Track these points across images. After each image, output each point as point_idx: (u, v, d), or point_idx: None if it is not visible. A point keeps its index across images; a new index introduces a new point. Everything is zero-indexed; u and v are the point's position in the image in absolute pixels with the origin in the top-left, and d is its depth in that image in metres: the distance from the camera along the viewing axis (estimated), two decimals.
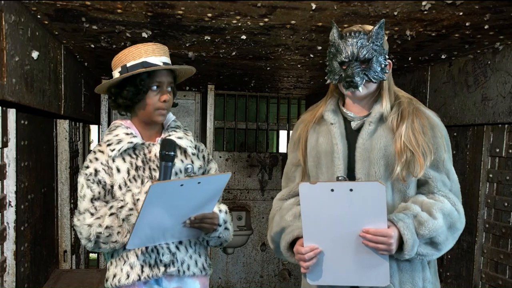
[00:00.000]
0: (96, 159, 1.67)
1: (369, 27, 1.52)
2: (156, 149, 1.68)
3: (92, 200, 1.64)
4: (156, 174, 1.65)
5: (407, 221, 1.41)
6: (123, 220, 1.58)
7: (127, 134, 1.68)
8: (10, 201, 1.77)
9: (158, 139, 1.71)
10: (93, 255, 4.13)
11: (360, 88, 1.49)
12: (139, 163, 1.66)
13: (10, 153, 1.76)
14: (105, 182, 1.65)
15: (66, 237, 2.81)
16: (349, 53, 1.49)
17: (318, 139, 1.61)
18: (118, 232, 1.59)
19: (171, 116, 1.79)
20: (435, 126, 1.53)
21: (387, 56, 1.53)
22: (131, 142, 1.66)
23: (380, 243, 1.38)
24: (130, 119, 1.74)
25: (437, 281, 1.61)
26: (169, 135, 1.71)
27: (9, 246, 1.77)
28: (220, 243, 1.75)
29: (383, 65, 1.51)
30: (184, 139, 1.72)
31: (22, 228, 1.97)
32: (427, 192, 1.52)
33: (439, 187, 1.51)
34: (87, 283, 2.54)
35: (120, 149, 1.64)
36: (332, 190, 1.33)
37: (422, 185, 1.53)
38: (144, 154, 1.68)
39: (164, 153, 1.56)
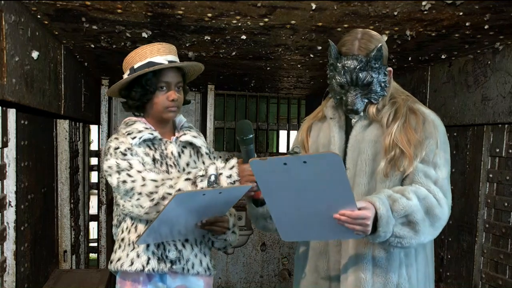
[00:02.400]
0: (122, 142, 1.64)
1: (370, 44, 1.49)
2: (172, 147, 1.71)
3: (142, 164, 1.60)
4: (173, 170, 1.68)
5: (382, 197, 1.38)
6: (201, 188, 1.53)
7: (146, 128, 1.70)
8: (10, 201, 1.77)
9: (173, 138, 1.74)
10: (93, 255, 4.13)
11: (361, 113, 1.52)
12: (157, 157, 1.69)
13: (10, 153, 1.76)
14: (140, 156, 1.63)
15: (66, 237, 2.81)
16: (348, 79, 1.48)
17: (319, 134, 1.65)
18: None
19: (183, 118, 1.84)
20: (427, 120, 1.51)
21: (387, 68, 1.51)
22: (151, 134, 1.68)
23: (357, 225, 1.33)
24: (144, 118, 1.76)
25: (425, 283, 1.58)
26: (184, 134, 1.75)
27: (9, 246, 1.77)
28: (225, 246, 1.77)
29: (382, 83, 1.50)
30: (199, 139, 1.77)
31: (22, 228, 1.97)
32: (408, 183, 1.48)
33: (420, 177, 1.46)
34: (87, 283, 2.54)
35: (141, 137, 1.65)
36: (285, 163, 1.27)
37: (405, 178, 1.49)
38: (162, 150, 1.70)
39: (242, 138, 1.54)
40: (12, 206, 1.78)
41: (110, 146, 1.65)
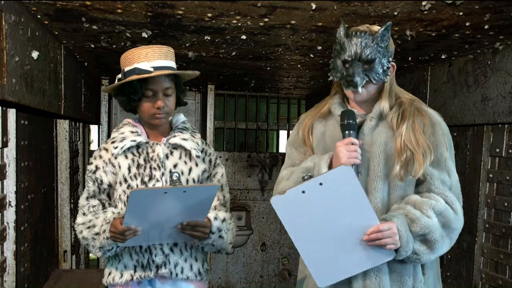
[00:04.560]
0: (100, 156, 1.72)
1: (376, 28, 1.53)
2: (159, 149, 1.69)
3: (88, 198, 1.70)
4: (156, 173, 1.67)
5: (400, 217, 1.43)
6: (95, 239, 1.64)
7: (132, 132, 1.70)
8: (10, 201, 1.77)
9: (164, 140, 1.72)
10: (93, 255, 4.13)
11: (359, 88, 1.49)
12: (141, 161, 1.68)
13: (10, 153, 1.76)
14: (101, 181, 1.69)
15: (66, 237, 2.81)
16: (352, 52, 1.49)
17: (325, 132, 1.62)
18: (93, 246, 1.65)
19: (181, 117, 1.80)
20: (435, 124, 1.54)
21: (391, 59, 1.53)
22: (134, 141, 1.67)
23: (387, 238, 1.38)
24: (139, 119, 1.76)
25: (438, 285, 1.60)
26: (174, 136, 1.71)
27: (9, 246, 1.77)
28: (218, 250, 1.73)
29: (385, 67, 1.51)
30: (189, 141, 1.72)
31: (22, 228, 1.97)
32: (425, 191, 1.52)
33: (437, 185, 1.50)
34: (87, 283, 2.54)
35: (122, 147, 1.66)
36: (303, 191, 1.31)
37: (421, 183, 1.52)
38: (147, 153, 1.69)
39: (344, 122, 1.51)
40: (12, 206, 1.78)
41: (94, 153, 1.75)
